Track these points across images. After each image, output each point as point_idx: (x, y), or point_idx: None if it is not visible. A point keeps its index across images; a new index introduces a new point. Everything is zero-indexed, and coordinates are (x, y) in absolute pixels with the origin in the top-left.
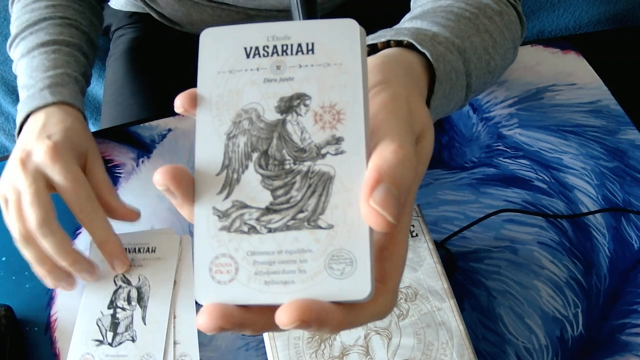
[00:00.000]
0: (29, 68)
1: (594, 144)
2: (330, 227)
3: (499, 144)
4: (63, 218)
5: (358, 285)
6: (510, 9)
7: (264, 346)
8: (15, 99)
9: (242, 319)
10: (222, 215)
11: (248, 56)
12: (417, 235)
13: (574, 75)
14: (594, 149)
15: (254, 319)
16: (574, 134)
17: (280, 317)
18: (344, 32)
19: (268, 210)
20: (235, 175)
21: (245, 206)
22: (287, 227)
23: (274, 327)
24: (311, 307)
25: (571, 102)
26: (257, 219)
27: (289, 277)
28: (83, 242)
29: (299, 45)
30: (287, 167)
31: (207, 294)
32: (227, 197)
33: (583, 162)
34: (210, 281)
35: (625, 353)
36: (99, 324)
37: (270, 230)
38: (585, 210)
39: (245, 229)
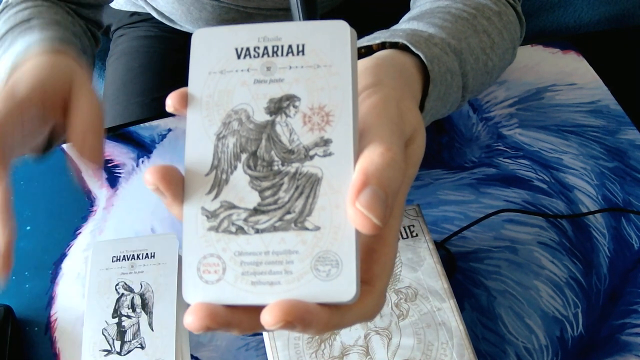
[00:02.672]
0: None
1: (594, 144)
2: (317, 228)
3: (499, 144)
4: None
5: (343, 287)
6: (509, 9)
7: (264, 346)
8: None
9: (229, 319)
10: (211, 215)
11: (239, 57)
12: (417, 235)
13: (574, 75)
14: (594, 149)
15: (241, 319)
16: (574, 134)
17: (265, 318)
18: (334, 34)
19: (256, 211)
20: (224, 176)
21: (234, 207)
22: (274, 228)
23: (260, 327)
24: (296, 308)
25: (571, 102)
26: (245, 220)
27: (275, 278)
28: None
29: (290, 46)
30: (276, 168)
31: (195, 293)
32: (215, 197)
33: (583, 162)
34: (198, 281)
35: (625, 353)
36: (105, 334)
37: (257, 231)
38: (585, 210)
39: (233, 229)
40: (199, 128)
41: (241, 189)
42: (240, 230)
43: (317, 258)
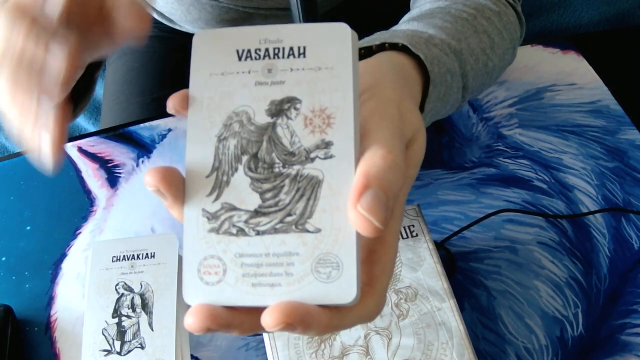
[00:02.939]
0: None
1: (594, 144)
2: (318, 231)
3: (499, 144)
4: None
5: (344, 289)
6: (509, 10)
7: (264, 346)
8: None
9: (229, 320)
10: (211, 217)
11: (240, 59)
12: (417, 235)
13: (574, 75)
14: (594, 149)
15: (241, 320)
16: (574, 134)
17: (266, 320)
18: (335, 37)
19: (257, 212)
20: (225, 178)
21: (234, 208)
22: (275, 230)
23: (260, 329)
24: (296, 309)
25: (571, 102)
26: (246, 222)
27: (276, 280)
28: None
29: (291, 48)
30: (277, 170)
31: (195, 294)
32: (216, 199)
33: (583, 162)
34: (198, 282)
35: (625, 353)
36: (105, 334)
37: (258, 233)
38: (585, 210)
39: (234, 231)
40: (200, 130)
41: (242, 190)
42: (241, 232)
43: (318, 260)
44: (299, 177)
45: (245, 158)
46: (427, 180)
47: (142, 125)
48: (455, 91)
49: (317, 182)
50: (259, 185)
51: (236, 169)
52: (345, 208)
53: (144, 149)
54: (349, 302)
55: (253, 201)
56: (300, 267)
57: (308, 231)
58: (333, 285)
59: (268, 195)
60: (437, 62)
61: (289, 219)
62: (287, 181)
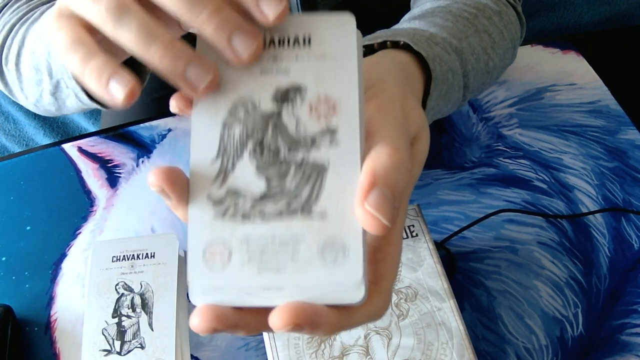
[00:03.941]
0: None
1: (594, 144)
2: (324, 216)
3: (499, 144)
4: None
5: (351, 285)
6: (510, 9)
7: (264, 346)
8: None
9: (236, 321)
10: (217, 202)
11: None
12: (417, 235)
13: (574, 75)
14: (594, 149)
15: (248, 321)
16: (574, 134)
17: (274, 320)
18: (340, 26)
19: (262, 198)
20: (230, 164)
21: (240, 194)
22: (281, 215)
23: (267, 329)
24: (304, 310)
25: (571, 102)
26: (251, 207)
27: (282, 265)
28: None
29: (296, 37)
30: (282, 156)
31: (200, 282)
32: (221, 184)
33: (583, 162)
34: (203, 267)
35: (625, 353)
36: (105, 334)
37: (263, 218)
38: (585, 210)
39: (239, 216)
40: (205, 117)
41: (247, 176)
42: (246, 217)
43: (324, 245)
44: (304, 164)
45: (250, 144)
46: (427, 180)
47: (142, 125)
48: (457, 90)
49: (322, 168)
50: (265, 172)
51: (241, 155)
52: (350, 194)
53: (144, 149)
54: (357, 302)
55: (258, 187)
56: (306, 253)
57: (313, 217)
58: (339, 270)
59: (273, 181)
60: (439, 60)
61: (294, 204)
62: (292, 167)
